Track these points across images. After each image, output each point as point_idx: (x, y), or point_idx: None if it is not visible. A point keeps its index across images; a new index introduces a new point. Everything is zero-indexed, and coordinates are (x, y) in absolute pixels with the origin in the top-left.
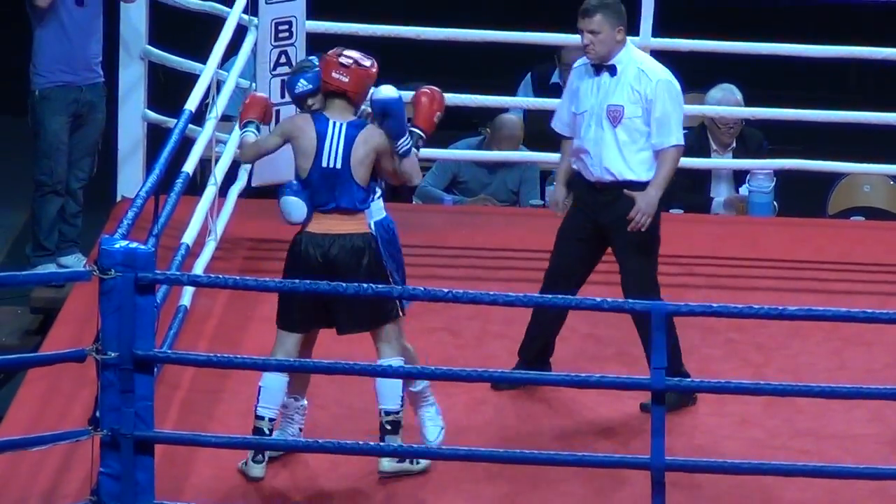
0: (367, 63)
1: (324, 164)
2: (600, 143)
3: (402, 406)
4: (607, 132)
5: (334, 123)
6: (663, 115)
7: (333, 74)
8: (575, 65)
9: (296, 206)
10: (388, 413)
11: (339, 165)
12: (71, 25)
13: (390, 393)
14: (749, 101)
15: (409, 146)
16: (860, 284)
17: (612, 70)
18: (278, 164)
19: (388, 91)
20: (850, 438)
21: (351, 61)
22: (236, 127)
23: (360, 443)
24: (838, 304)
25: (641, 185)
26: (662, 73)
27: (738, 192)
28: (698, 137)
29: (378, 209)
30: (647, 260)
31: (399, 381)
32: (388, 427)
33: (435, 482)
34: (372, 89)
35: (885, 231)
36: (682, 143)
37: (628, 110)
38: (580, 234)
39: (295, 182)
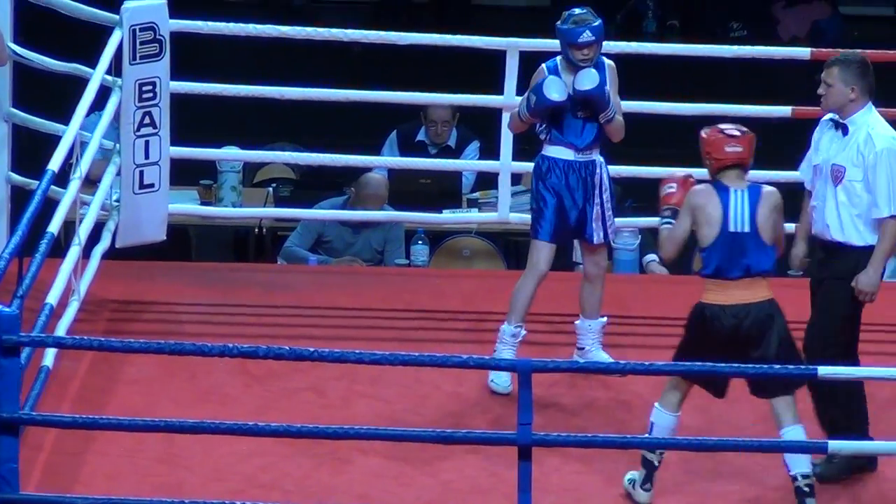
0: (745, 129)
1: (731, 229)
2: (824, 200)
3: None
4: (829, 190)
5: (735, 191)
6: (880, 184)
7: (727, 149)
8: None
9: (556, 85)
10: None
11: (747, 229)
12: None
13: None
14: (618, 159)
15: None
16: None
17: (845, 129)
18: (142, 225)
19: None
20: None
21: (739, 132)
22: (103, 186)
23: None
24: None
25: (852, 249)
26: (886, 142)
27: None
28: None
29: None
30: (834, 320)
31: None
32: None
33: None
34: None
35: None
36: None
37: (850, 173)
38: (812, 289)
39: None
